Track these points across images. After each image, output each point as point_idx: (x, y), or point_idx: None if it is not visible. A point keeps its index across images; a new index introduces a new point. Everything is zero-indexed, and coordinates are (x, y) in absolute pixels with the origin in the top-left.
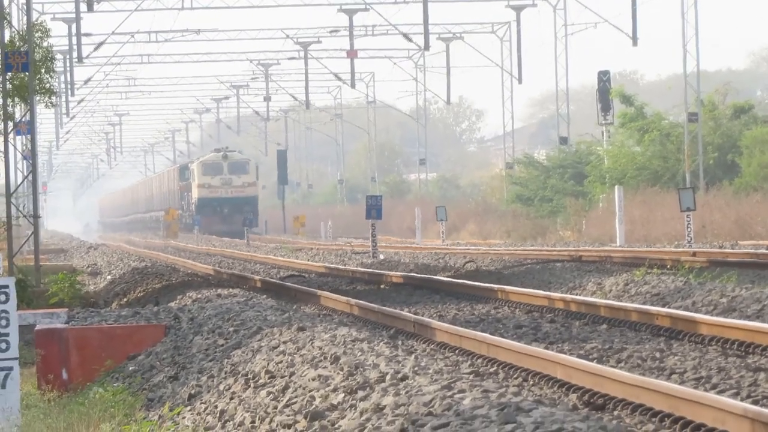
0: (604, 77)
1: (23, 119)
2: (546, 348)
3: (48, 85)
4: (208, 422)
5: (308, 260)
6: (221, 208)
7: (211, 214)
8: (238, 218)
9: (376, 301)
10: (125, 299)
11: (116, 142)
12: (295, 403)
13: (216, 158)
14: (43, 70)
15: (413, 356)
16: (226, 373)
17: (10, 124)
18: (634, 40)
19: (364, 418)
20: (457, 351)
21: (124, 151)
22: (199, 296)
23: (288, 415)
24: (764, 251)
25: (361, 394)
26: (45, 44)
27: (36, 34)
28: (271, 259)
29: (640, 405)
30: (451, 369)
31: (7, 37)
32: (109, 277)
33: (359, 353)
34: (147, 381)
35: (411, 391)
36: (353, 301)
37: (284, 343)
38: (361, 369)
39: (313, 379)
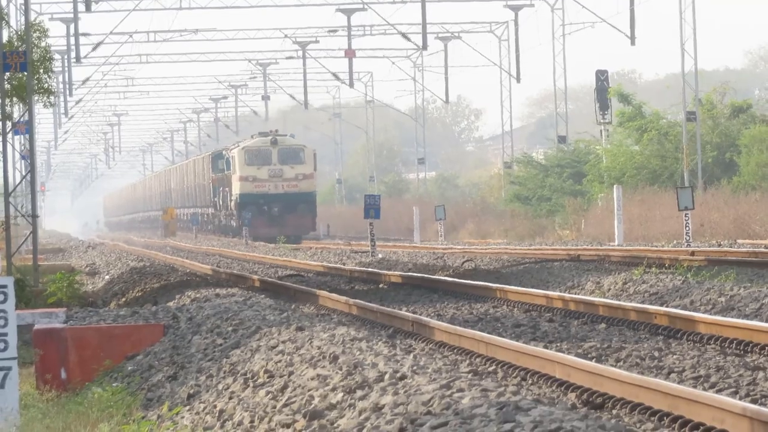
0: (602, 76)
1: (21, 119)
2: (545, 347)
3: (46, 84)
4: (207, 422)
5: (307, 259)
6: (269, 207)
7: (257, 214)
8: (292, 219)
9: (374, 301)
10: (123, 299)
11: (115, 141)
12: (294, 402)
13: (263, 143)
14: (41, 70)
15: (412, 355)
16: (224, 372)
17: (9, 124)
18: (632, 39)
19: (362, 417)
20: (455, 350)
21: (122, 151)
22: (197, 296)
23: (287, 415)
24: (763, 250)
25: (359, 393)
26: (43, 44)
27: (34, 34)
28: (270, 259)
29: (639, 404)
30: (449, 368)
31: (5, 37)
32: (107, 276)
33: (358, 352)
34: (146, 381)
35: (410, 391)
36: (352, 300)
37: (283, 342)
38: (360, 368)
39: (312, 379)
